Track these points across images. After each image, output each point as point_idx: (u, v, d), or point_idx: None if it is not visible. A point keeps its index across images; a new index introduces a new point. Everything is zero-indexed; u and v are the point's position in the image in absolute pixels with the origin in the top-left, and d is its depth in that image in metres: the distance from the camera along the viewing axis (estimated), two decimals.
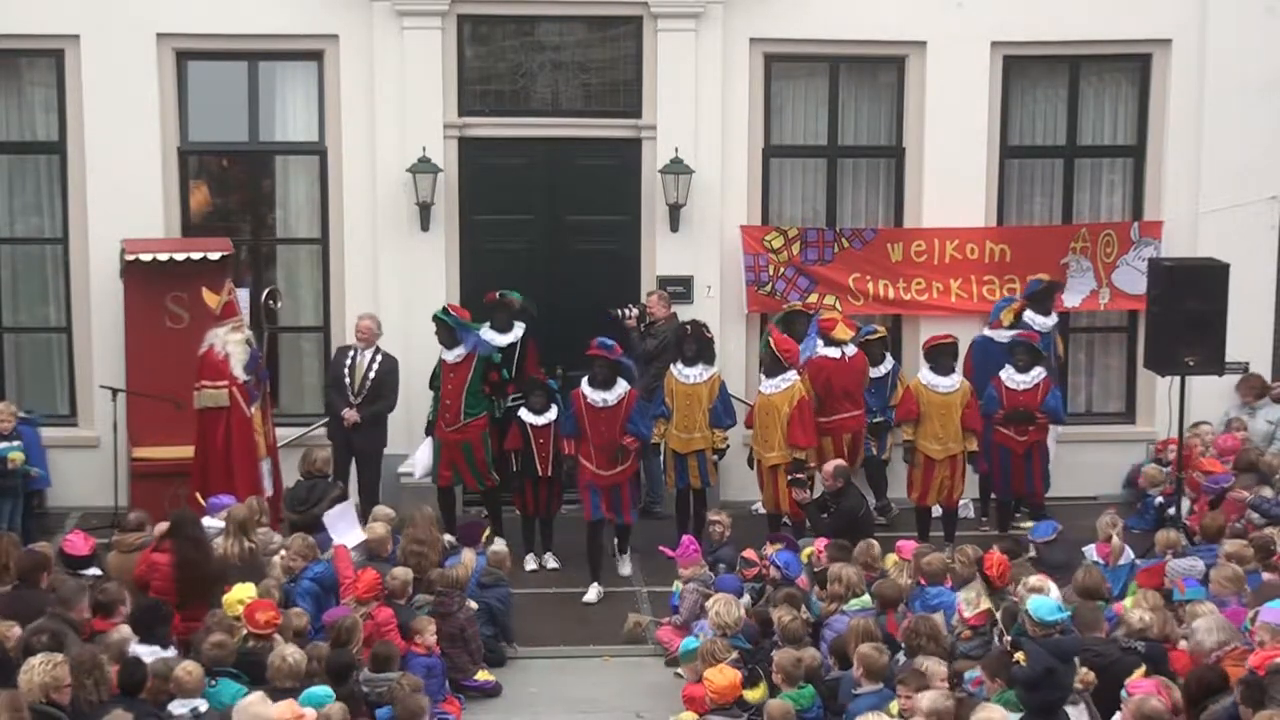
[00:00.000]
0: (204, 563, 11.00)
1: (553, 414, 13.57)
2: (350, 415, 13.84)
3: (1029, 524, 13.61)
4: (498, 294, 14.10)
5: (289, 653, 9.70)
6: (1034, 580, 10.71)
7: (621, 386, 13.18)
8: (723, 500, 14.48)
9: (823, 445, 13.97)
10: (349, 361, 14.00)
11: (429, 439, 14.03)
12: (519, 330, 14.12)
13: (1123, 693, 9.24)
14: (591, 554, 13.26)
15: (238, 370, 13.16)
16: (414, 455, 14.21)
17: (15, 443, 13.58)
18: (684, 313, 14.59)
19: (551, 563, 13.76)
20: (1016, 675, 9.20)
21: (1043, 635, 9.39)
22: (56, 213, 14.94)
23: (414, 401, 14.31)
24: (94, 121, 14.58)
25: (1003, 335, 14.52)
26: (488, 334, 14.01)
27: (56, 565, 11.05)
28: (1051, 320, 14.75)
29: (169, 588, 10.97)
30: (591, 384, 13.17)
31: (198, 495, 12.70)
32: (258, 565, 11.45)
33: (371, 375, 13.94)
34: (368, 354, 14.00)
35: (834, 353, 14.15)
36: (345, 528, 11.83)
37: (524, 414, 13.60)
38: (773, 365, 13.59)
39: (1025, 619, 9.62)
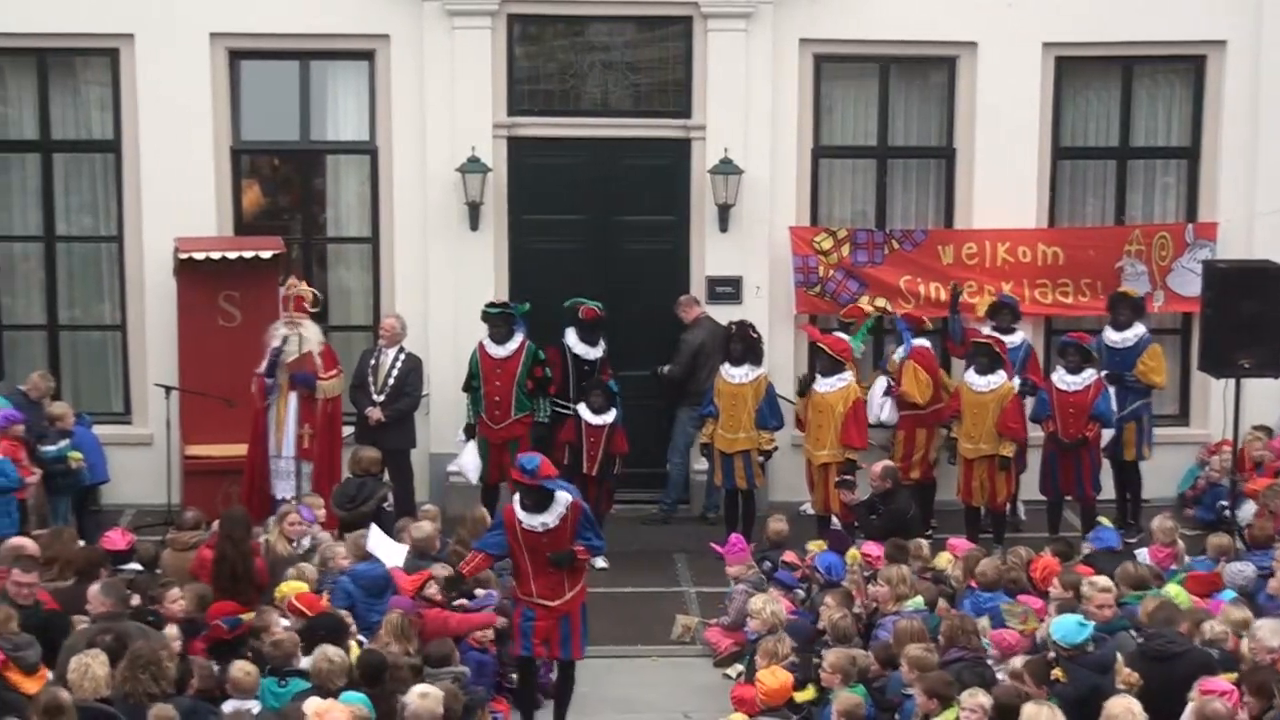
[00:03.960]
0: (238, 562, 11.03)
1: (611, 416, 13.78)
2: (374, 414, 13.85)
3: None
4: (596, 308, 14.15)
5: (333, 653, 9.58)
6: (1057, 590, 10.63)
7: (560, 505, 10.64)
8: (771, 501, 14.47)
9: (918, 438, 14.10)
10: (373, 361, 14.05)
11: (472, 442, 14.06)
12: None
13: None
14: (523, 698, 11.13)
15: (261, 364, 13.37)
16: (460, 459, 14.18)
17: (66, 441, 13.65)
18: (733, 313, 14.57)
19: (600, 563, 13.70)
20: (1060, 694, 9.07)
21: (1079, 655, 9.29)
22: (111, 211, 15.07)
23: (463, 401, 14.28)
24: (148, 120, 14.69)
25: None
26: (579, 347, 14.16)
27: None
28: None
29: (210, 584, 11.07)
30: (523, 507, 10.69)
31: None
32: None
33: (394, 374, 13.96)
34: (390, 353, 14.03)
35: (928, 343, 14.26)
36: (385, 550, 11.77)
37: (582, 409, 13.81)
38: (829, 365, 13.66)
39: (1050, 644, 9.48)
